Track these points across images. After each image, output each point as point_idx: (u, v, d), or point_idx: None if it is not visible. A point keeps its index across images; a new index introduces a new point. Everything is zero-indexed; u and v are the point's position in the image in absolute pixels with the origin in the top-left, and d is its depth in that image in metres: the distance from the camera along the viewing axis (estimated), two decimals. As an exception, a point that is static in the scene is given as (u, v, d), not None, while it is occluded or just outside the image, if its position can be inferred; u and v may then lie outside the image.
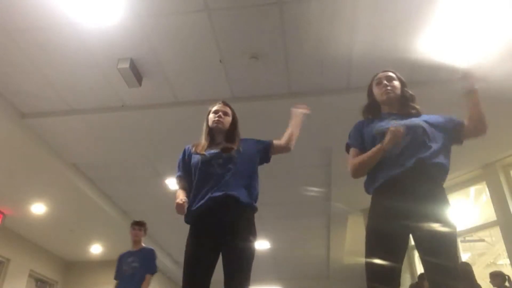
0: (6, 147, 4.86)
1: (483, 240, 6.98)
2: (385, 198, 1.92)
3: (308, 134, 4.76)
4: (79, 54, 3.75)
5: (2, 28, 3.50)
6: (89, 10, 3.31)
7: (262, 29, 3.55)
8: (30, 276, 7.60)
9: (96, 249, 8.06)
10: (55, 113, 4.50)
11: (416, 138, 1.94)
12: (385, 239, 1.86)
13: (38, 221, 6.71)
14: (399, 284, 1.86)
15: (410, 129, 1.96)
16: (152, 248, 4.35)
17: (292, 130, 2.49)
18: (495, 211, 5.42)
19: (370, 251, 1.89)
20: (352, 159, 2.10)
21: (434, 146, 1.94)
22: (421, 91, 4.04)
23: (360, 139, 2.12)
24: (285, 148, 2.45)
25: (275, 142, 2.46)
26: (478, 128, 2.04)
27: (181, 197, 2.16)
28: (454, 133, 2.06)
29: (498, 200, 5.39)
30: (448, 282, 1.73)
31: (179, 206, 2.11)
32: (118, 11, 3.33)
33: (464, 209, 6.35)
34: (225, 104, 2.53)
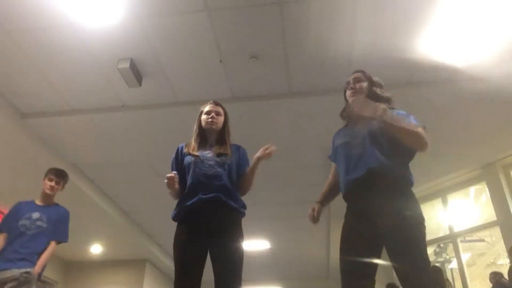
0: (6, 147, 4.86)
1: (483, 240, 6.99)
2: (350, 205, 2.06)
3: (308, 134, 4.79)
4: (79, 54, 3.75)
5: (2, 28, 3.50)
6: (89, 10, 3.31)
7: (262, 29, 3.55)
8: (30, 276, 7.59)
9: (96, 249, 8.06)
10: (55, 113, 4.49)
11: (366, 147, 1.99)
12: (353, 242, 1.96)
13: (38, 221, 6.69)
14: (373, 282, 1.91)
15: (362, 138, 2.03)
16: (68, 210, 3.45)
17: (251, 178, 2.37)
18: (495, 211, 5.42)
19: (341, 254, 1.98)
20: (329, 176, 2.32)
21: (385, 152, 1.96)
22: (421, 91, 4.09)
23: (334, 153, 2.23)
24: (241, 193, 2.39)
25: (242, 178, 2.39)
26: (412, 144, 1.96)
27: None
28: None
29: (498, 200, 5.39)
30: (414, 272, 1.75)
31: (170, 178, 2.18)
32: (118, 11, 3.33)
33: (464, 209, 6.36)
34: (216, 103, 2.55)
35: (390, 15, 3.38)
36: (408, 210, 1.86)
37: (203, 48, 3.71)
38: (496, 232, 5.84)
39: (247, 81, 4.12)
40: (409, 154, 2.03)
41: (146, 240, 7.84)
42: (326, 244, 8.38)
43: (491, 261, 7.06)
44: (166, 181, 2.20)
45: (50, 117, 4.52)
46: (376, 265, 1.92)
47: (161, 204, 6.60)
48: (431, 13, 3.35)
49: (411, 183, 1.98)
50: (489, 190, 5.58)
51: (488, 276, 4.98)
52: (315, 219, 2.24)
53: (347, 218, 2.05)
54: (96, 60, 3.83)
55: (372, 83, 2.22)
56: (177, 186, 2.25)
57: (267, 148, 2.32)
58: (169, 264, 8.82)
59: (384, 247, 1.90)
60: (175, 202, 2.35)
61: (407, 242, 1.80)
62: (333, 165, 2.28)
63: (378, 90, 2.19)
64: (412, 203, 1.91)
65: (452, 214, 6.04)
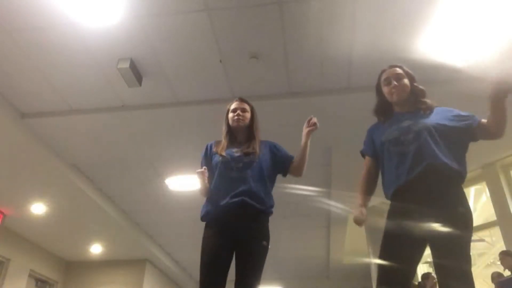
0: (6, 147, 4.86)
1: (483, 240, 6.97)
2: (401, 202, 1.91)
3: (308, 134, 4.79)
4: (79, 54, 3.75)
5: (2, 28, 3.50)
6: (89, 10, 3.31)
7: (262, 29, 3.55)
8: (30, 276, 7.60)
9: (96, 249, 8.06)
10: (55, 113, 4.49)
11: (422, 143, 1.92)
12: (401, 242, 1.84)
13: (38, 221, 6.70)
14: (409, 287, 1.85)
15: (416, 133, 1.94)
16: None
17: (304, 156, 2.38)
18: (495, 211, 5.42)
19: (385, 253, 1.87)
20: (363, 173, 2.16)
21: (442, 149, 1.91)
22: (421, 91, 4.08)
23: (372, 146, 2.14)
24: (298, 175, 2.40)
25: (294, 162, 2.40)
26: (497, 134, 1.98)
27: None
28: (466, 132, 1.98)
29: (498, 200, 5.39)
30: (457, 284, 1.72)
31: (200, 173, 2.23)
32: (118, 11, 3.33)
33: (464, 209, 6.34)
34: (242, 100, 2.51)
35: (390, 15, 3.38)
36: (459, 218, 1.83)
37: (203, 48, 3.71)
38: (496, 232, 5.83)
39: (247, 81, 4.12)
40: (462, 148, 1.99)
41: (146, 240, 7.84)
42: (326, 244, 8.37)
43: (491, 261, 7.04)
44: (196, 176, 2.26)
45: (50, 117, 4.52)
46: (416, 268, 1.88)
47: (161, 204, 6.61)
48: (431, 13, 3.35)
49: (463, 179, 1.94)
50: (489, 190, 5.58)
51: (488, 276, 4.98)
52: (363, 222, 2.05)
53: (394, 219, 1.92)
54: (96, 60, 3.83)
55: (412, 78, 2.14)
56: (206, 181, 2.27)
57: (309, 120, 2.38)
58: (169, 264, 8.83)
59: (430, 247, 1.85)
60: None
61: (464, 244, 1.79)
62: (367, 159, 2.17)
63: (419, 86, 2.13)
64: (464, 209, 1.87)
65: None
